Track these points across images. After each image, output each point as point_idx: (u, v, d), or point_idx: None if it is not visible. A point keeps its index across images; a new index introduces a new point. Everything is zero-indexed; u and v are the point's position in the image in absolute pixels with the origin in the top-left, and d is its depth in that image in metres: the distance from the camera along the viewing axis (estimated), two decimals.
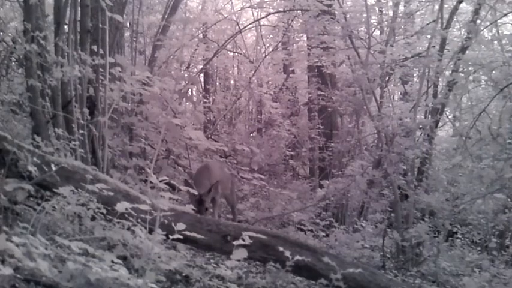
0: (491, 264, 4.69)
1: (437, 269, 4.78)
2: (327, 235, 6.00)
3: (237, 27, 9.60)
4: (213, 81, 11.23)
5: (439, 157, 7.52)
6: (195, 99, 11.16)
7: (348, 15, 6.97)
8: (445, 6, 6.35)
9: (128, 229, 2.58)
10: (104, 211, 2.67)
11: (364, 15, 6.60)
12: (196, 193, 3.69)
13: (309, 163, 9.97)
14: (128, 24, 7.74)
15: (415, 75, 8.28)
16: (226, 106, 10.10)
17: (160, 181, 2.52)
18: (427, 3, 8.11)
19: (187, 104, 10.54)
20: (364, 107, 6.80)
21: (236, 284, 2.78)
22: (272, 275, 3.20)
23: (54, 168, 2.69)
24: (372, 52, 6.15)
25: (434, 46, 5.97)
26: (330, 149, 8.51)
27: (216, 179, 4.90)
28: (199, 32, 10.32)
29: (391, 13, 7.60)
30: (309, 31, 7.68)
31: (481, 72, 6.55)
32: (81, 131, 4.00)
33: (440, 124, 7.13)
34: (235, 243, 2.55)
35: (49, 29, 4.75)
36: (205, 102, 10.15)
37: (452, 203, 5.13)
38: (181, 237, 2.50)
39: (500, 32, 7.40)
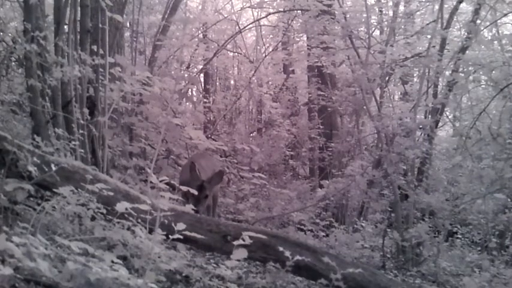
0: (491, 264, 4.69)
1: (437, 269, 4.77)
2: (327, 235, 6.00)
3: (237, 27, 9.59)
4: (213, 81, 11.21)
5: (439, 157, 7.53)
6: (195, 99, 11.15)
7: (348, 15, 6.97)
8: (445, 6, 6.36)
9: (128, 229, 2.59)
10: (104, 211, 2.67)
11: (364, 15, 6.60)
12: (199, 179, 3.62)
13: (309, 163, 9.96)
14: (128, 24, 7.73)
15: (415, 75, 8.29)
16: (226, 106, 10.09)
17: (160, 181, 2.52)
18: (427, 3, 8.12)
19: (187, 104, 10.53)
20: (364, 107, 6.80)
21: (236, 284, 2.78)
22: (272, 275, 3.20)
23: (54, 168, 2.69)
24: (372, 52, 6.14)
25: (434, 46, 5.97)
26: (330, 149, 8.51)
27: (218, 168, 4.82)
28: (199, 32, 10.31)
29: (391, 13, 7.61)
30: (309, 31, 7.68)
31: (481, 72, 6.57)
32: (81, 131, 4.00)
33: (440, 124, 7.14)
34: (235, 243, 2.55)
35: (49, 29, 4.75)
36: (205, 102, 10.14)
37: (452, 203, 5.14)
38: (181, 237, 2.50)
39: (500, 32, 7.43)
